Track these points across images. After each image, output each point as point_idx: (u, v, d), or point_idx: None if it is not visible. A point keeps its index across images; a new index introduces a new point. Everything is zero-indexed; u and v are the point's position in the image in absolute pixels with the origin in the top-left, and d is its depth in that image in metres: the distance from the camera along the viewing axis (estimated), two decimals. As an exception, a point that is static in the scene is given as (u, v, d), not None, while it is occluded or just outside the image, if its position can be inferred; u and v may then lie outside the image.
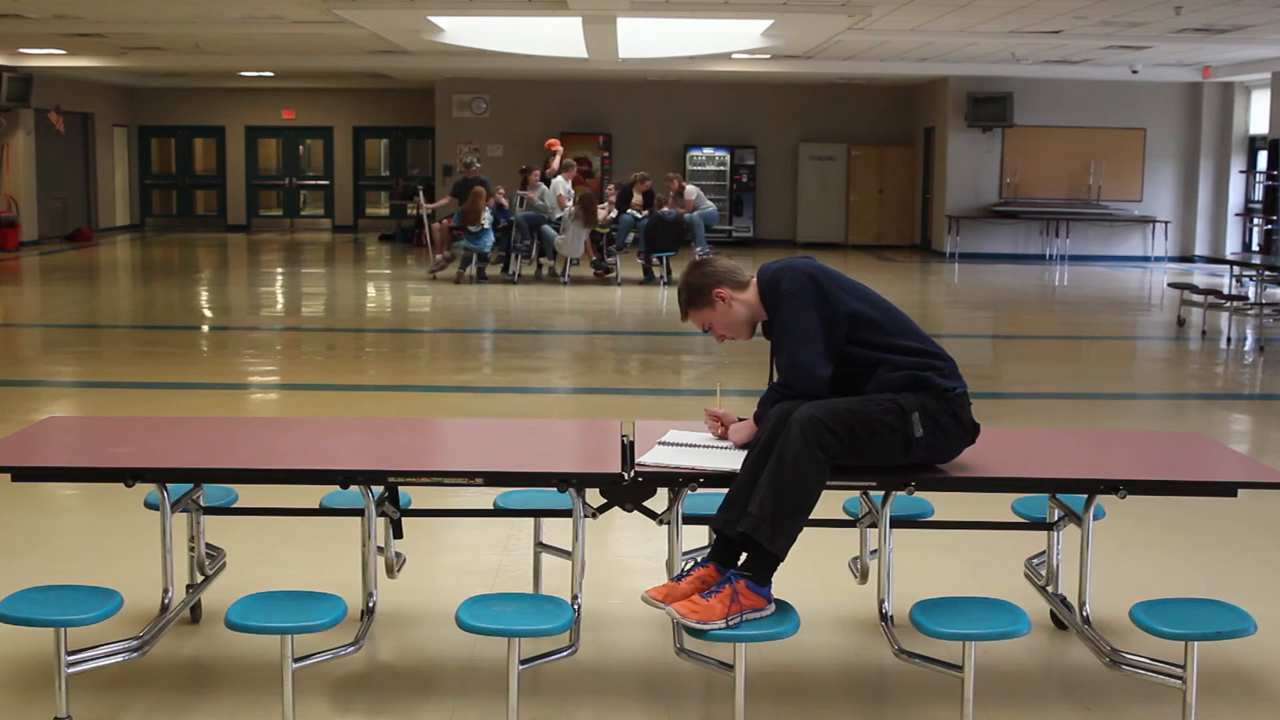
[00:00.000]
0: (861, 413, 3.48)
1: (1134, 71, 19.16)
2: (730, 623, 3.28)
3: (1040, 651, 4.20)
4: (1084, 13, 13.41)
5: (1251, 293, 13.10)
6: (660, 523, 3.88)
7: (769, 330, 3.76)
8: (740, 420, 3.89)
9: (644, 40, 15.72)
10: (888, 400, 3.51)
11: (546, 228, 16.16)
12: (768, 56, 18.73)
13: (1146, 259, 20.89)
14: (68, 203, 22.80)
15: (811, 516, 3.47)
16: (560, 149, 17.63)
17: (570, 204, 16.06)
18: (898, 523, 3.90)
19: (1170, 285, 14.62)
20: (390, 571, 4.10)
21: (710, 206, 17.38)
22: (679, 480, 3.61)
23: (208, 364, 10.61)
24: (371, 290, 16.36)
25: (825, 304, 3.59)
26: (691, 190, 17.22)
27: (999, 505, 4.46)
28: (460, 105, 23.24)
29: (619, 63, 17.74)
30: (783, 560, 3.40)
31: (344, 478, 3.62)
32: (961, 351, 5.04)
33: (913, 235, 23.15)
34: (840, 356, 3.61)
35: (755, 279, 3.77)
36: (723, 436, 3.91)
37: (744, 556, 3.47)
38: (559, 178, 16.79)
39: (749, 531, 3.37)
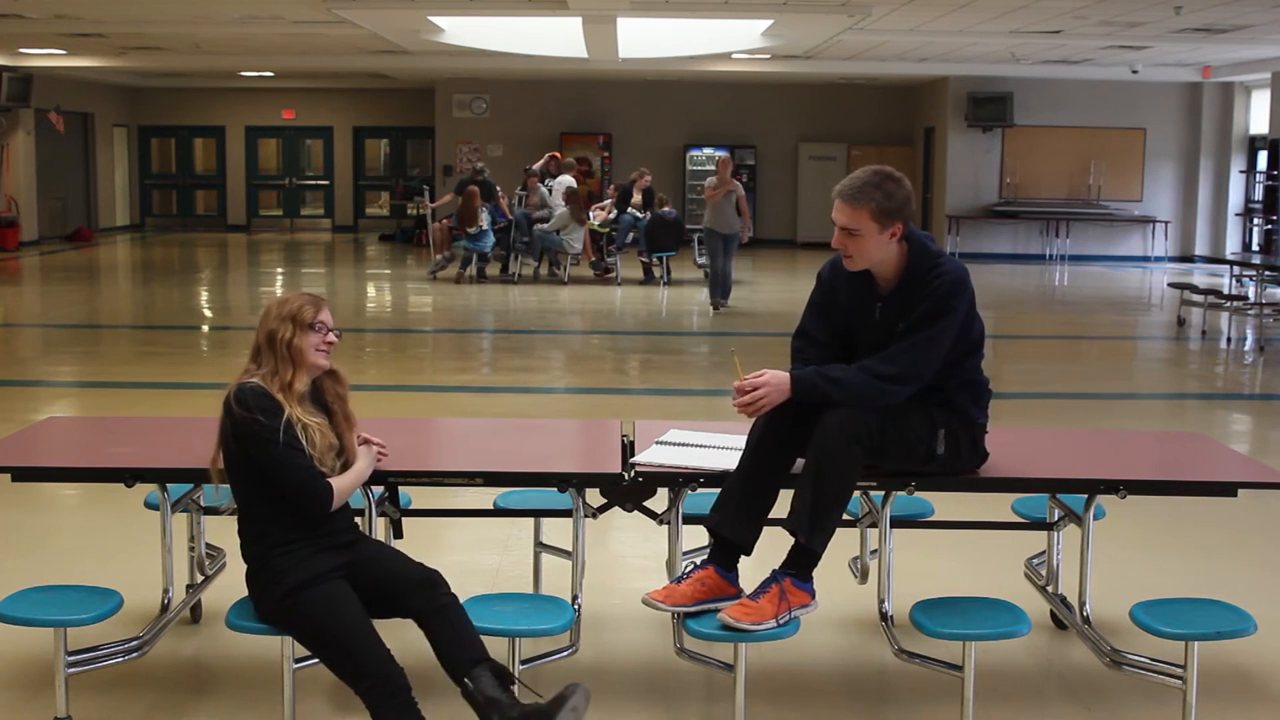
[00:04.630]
0: (896, 414, 3.47)
1: (1134, 71, 19.14)
2: (781, 621, 3.30)
3: (1040, 651, 4.20)
4: (1084, 13, 13.41)
5: (1251, 293, 13.09)
6: (660, 523, 3.88)
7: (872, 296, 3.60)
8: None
9: (644, 40, 15.71)
10: (923, 410, 3.51)
11: (539, 227, 16.08)
12: (768, 56, 18.73)
13: (1146, 259, 20.88)
14: (68, 203, 22.80)
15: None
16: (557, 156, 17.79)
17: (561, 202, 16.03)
18: (898, 523, 3.90)
19: (1170, 285, 14.62)
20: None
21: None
22: (679, 480, 3.61)
23: (208, 364, 10.60)
24: (372, 290, 16.36)
25: (963, 328, 3.52)
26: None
27: (999, 505, 4.46)
28: (460, 105, 23.23)
29: (619, 63, 17.73)
30: (821, 555, 3.41)
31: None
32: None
33: (913, 235, 23.12)
34: None
35: (909, 246, 3.52)
36: (750, 404, 3.50)
37: (742, 557, 3.47)
38: (564, 175, 16.70)
39: (790, 528, 3.38)
